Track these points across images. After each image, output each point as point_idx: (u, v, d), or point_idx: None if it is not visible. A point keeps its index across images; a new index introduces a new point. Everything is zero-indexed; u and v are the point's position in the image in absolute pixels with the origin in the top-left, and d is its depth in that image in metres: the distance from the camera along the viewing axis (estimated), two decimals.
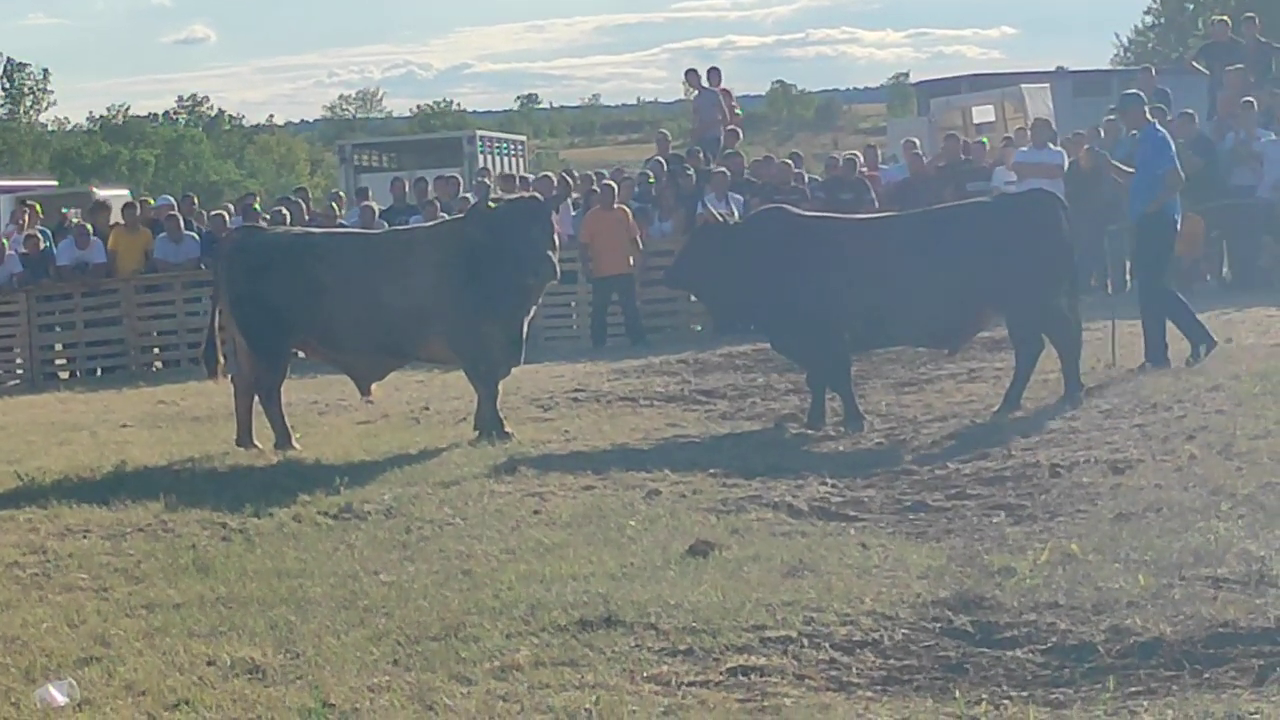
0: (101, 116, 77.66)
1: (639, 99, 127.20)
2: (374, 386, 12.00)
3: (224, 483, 9.92)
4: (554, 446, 10.68)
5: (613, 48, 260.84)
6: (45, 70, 73.35)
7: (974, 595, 6.37)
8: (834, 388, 11.27)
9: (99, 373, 19.45)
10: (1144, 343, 12.04)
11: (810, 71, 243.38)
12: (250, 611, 6.66)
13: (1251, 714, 4.92)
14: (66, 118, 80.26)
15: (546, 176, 20.64)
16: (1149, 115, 12.52)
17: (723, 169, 19.10)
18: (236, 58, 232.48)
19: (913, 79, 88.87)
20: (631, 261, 18.21)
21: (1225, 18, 24.81)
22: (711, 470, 9.43)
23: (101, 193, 28.30)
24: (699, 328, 18.26)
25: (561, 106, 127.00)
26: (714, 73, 22.41)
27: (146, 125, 76.69)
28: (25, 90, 72.12)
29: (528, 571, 7.09)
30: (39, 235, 20.13)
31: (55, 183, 43.00)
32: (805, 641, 5.89)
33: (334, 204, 20.77)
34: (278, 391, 11.47)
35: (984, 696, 5.30)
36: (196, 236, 19.71)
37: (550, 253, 11.13)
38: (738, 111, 22.62)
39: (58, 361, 20.04)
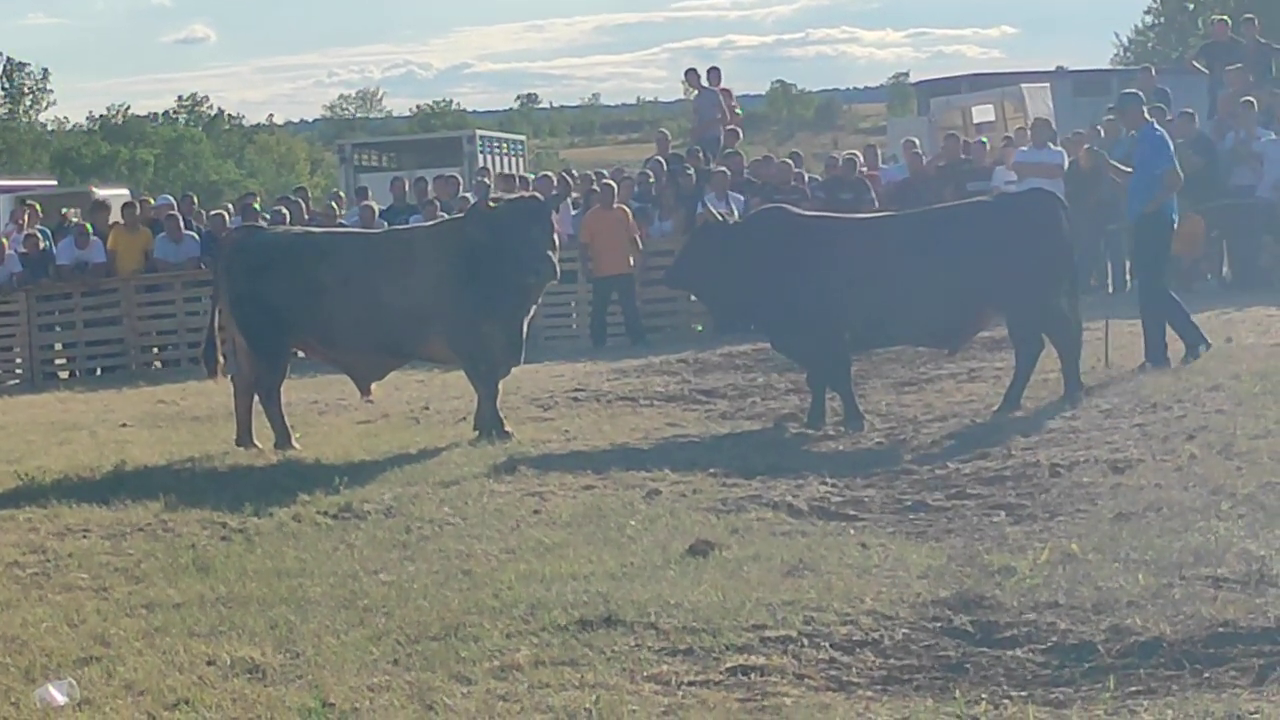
0: (101, 116, 77.75)
1: (639, 99, 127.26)
2: (374, 386, 12.01)
3: (224, 483, 9.92)
4: (554, 446, 10.68)
5: (613, 47, 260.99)
6: (45, 70, 73.52)
7: (974, 595, 6.37)
8: (834, 387, 11.27)
9: (99, 372, 19.45)
10: (1144, 342, 12.04)
11: (810, 71, 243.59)
12: (250, 611, 6.66)
13: (1251, 714, 4.92)
14: (66, 117, 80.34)
15: (546, 176, 20.65)
16: (1147, 115, 12.52)
17: (723, 168, 19.10)
18: (236, 57, 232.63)
19: (913, 79, 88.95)
20: (631, 261, 18.21)
21: (1225, 17, 24.84)
22: (711, 470, 9.43)
23: (101, 192, 28.31)
24: (699, 328, 18.25)
25: (561, 106, 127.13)
26: (714, 72, 22.40)
27: (146, 125, 76.72)
28: (25, 90, 72.15)
29: (528, 571, 7.09)
30: (39, 235, 20.14)
31: (55, 182, 42.95)
32: (805, 641, 5.89)
33: (334, 204, 20.76)
34: (278, 391, 11.47)
35: (984, 696, 5.30)
36: (196, 236, 19.71)
37: (550, 252, 11.13)
38: (738, 111, 22.62)
39: (58, 361, 20.04)
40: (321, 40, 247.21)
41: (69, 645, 6.29)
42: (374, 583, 7.07)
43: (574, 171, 23.91)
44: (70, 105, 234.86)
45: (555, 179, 20.18)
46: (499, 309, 11.15)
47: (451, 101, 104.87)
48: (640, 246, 18.33)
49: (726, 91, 22.39)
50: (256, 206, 20.78)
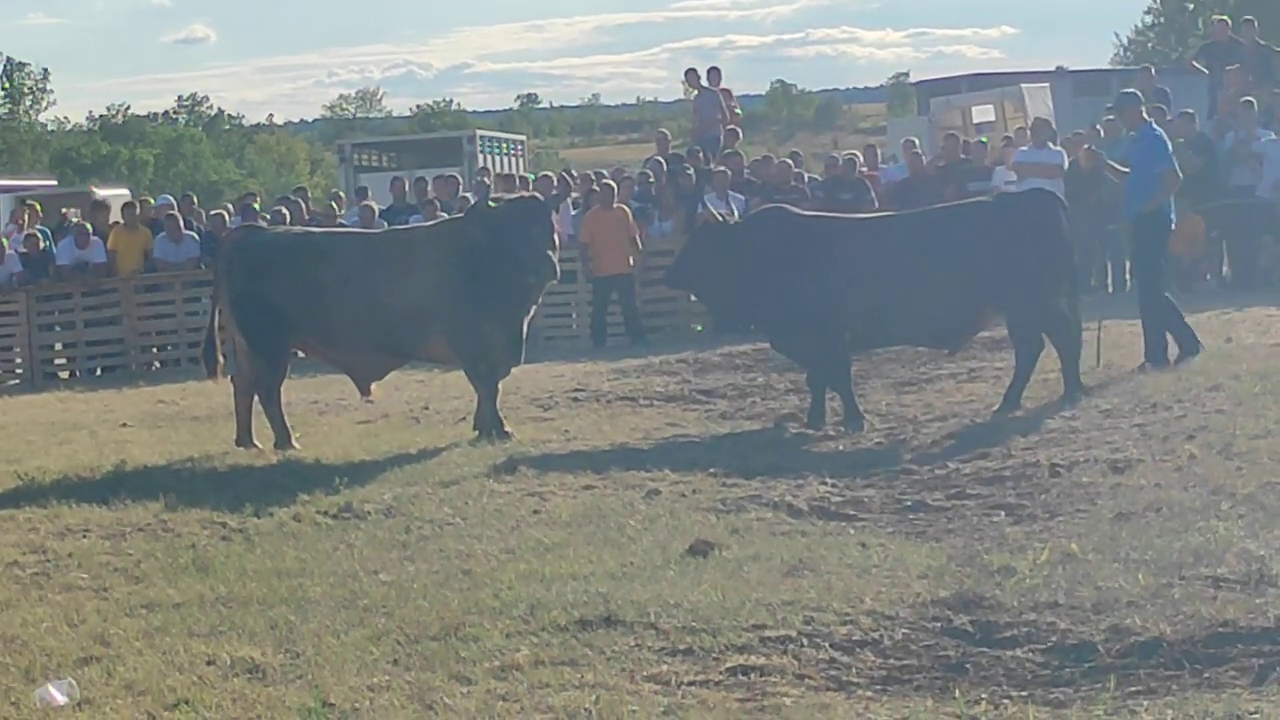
0: (101, 116, 77.79)
1: (639, 99, 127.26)
2: (374, 386, 12.00)
3: (224, 483, 9.92)
4: (554, 446, 10.68)
5: (613, 47, 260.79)
6: (45, 70, 73.50)
7: (974, 595, 6.37)
8: (834, 387, 11.28)
9: (99, 372, 19.46)
10: (1144, 342, 12.04)
11: (810, 71, 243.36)
12: (250, 611, 6.66)
13: (1251, 714, 4.92)
14: (66, 117, 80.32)
15: (546, 176, 20.65)
16: (1145, 115, 12.52)
17: (723, 168, 19.11)
18: (236, 57, 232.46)
19: (913, 79, 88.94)
20: (631, 261, 18.22)
21: (1225, 17, 24.82)
22: (711, 470, 9.43)
23: (101, 192, 28.34)
24: (699, 328, 18.25)
25: (561, 106, 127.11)
26: (714, 72, 22.41)
27: (146, 125, 76.75)
28: (25, 90, 72.14)
29: (528, 571, 7.09)
30: (39, 235, 20.15)
31: (55, 182, 42.96)
32: (805, 641, 5.89)
33: (334, 204, 20.78)
34: (278, 391, 11.47)
35: (984, 696, 5.30)
36: (196, 236, 19.72)
37: (550, 252, 11.13)
38: (738, 111, 22.62)
39: (58, 361, 20.05)
40: (321, 40, 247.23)
41: (69, 645, 6.29)
42: (374, 583, 7.07)
43: (574, 171, 23.91)
44: (70, 105, 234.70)
45: (555, 179, 20.18)
46: (499, 309, 11.15)
47: (451, 101, 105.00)
48: (640, 246, 18.33)
49: (726, 91, 22.40)
50: (256, 206, 20.79)
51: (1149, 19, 65.23)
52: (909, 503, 8.47)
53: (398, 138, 50.62)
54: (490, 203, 11.84)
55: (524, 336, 11.43)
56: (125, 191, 33.32)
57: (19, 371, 19.52)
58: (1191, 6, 60.89)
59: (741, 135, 21.91)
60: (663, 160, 20.93)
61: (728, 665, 5.66)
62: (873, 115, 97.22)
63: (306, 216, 19.44)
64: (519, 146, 38.78)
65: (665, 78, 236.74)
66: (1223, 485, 7.74)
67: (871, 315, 11.09)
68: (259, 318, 11.36)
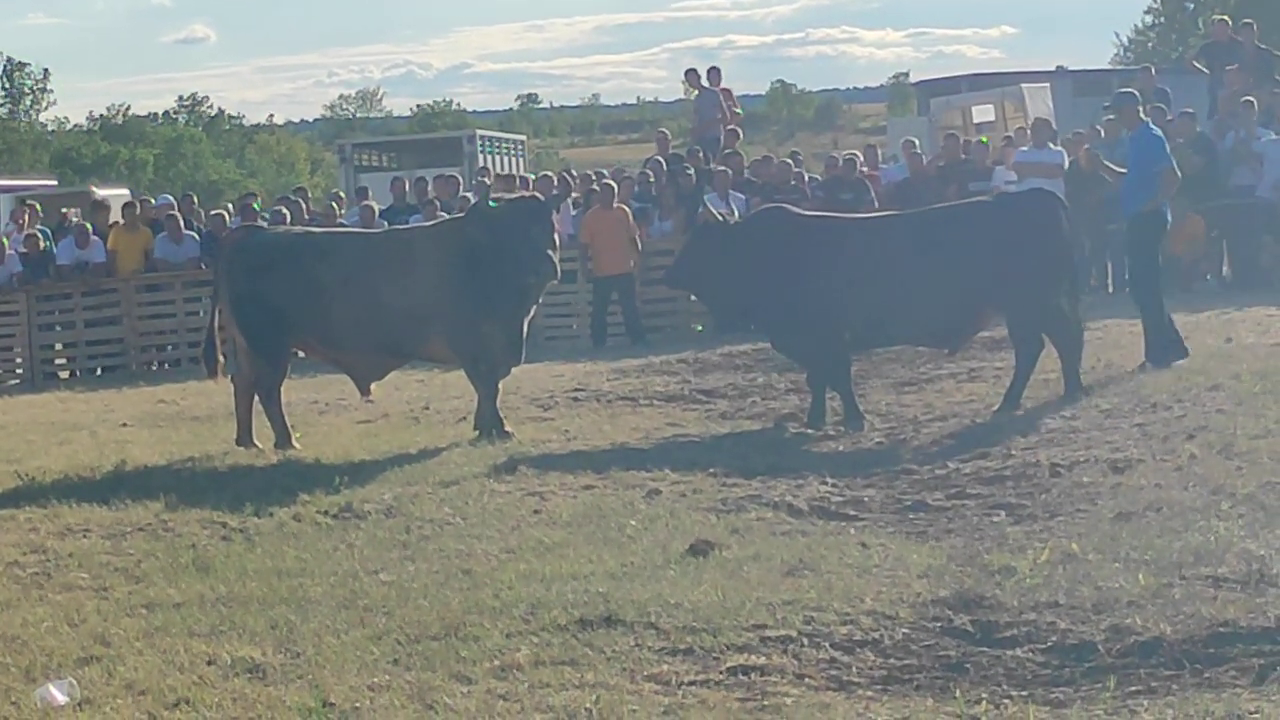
0: (101, 116, 77.76)
1: (639, 99, 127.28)
2: (374, 386, 12.00)
3: (224, 482, 9.92)
4: (554, 446, 10.68)
5: (613, 47, 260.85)
6: (45, 70, 73.48)
7: (974, 595, 6.37)
8: (834, 387, 11.28)
9: (99, 372, 19.46)
10: (1144, 342, 12.04)
11: (810, 71, 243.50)
12: (250, 611, 6.66)
13: (1251, 714, 4.92)
14: (66, 117, 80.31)
15: (546, 176, 20.65)
16: (1143, 114, 12.52)
17: (724, 168, 19.11)
18: (236, 57, 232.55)
19: (913, 79, 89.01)
20: (631, 262, 18.22)
21: (1225, 17, 24.82)
22: (711, 470, 9.43)
23: (101, 192, 28.34)
24: (699, 328, 18.25)
25: (561, 106, 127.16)
26: (714, 72, 22.41)
27: (146, 125, 76.75)
28: (25, 90, 72.16)
29: (528, 571, 7.10)
30: (39, 235, 20.15)
31: (55, 182, 42.97)
32: (805, 641, 5.89)
33: (334, 204, 20.77)
34: (278, 391, 11.47)
35: (984, 696, 5.30)
36: (196, 236, 19.72)
37: (550, 252, 11.13)
38: (738, 111, 22.62)
39: (58, 361, 20.04)
40: (321, 40, 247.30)
41: (69, 645, 6.29)
42: (374, 582, 7.07)
43: (574, 171, 23.91)
44: (70, 105, 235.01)
45: (555, 179, 20.18)
46: (499, 309, 11.16)
47: (451, 101, 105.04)
48: (640, 246, 18.34)
49: (726, 91, 22.39)
50: (256, 206, 20.78)
51: (1149, 19, 65.27)
52: (909, 503, 8.47)
53: (398, 138, 50.66)
54: (490, 203, 11.84)
55: (524, 336, 11.43)
56: (125, 191, 33.31)
57: (19, 371, 19.52)
58: (1191, 6, 60.89)
59: (741, 135, 21.91)
60: (663, 160, 20.93)
61: (728, 665, 5.66)
62: (873, 115, 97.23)
63: (306, 216, 19.43)
64: (519, 146, 38.81)
65: (665, 78, 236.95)
66: (1223, 485, 7.74)
67: (871, 315, 11.09)
68: (259, 318, 11.36)
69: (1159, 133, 12.53)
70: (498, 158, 33.99)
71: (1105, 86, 32.29)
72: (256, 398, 11.45)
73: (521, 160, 36.69)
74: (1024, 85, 28.50)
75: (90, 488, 9.83)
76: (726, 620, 6.12)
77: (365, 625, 6.35)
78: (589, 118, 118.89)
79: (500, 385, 11.44)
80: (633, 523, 8.04)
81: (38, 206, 22.01)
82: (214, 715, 5.40)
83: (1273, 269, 17.48)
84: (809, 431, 10.97)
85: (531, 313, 11.59)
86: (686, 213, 18.62)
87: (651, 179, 19.95)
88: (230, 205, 22.43)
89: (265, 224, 17.20)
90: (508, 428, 11.17)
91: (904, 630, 6.01)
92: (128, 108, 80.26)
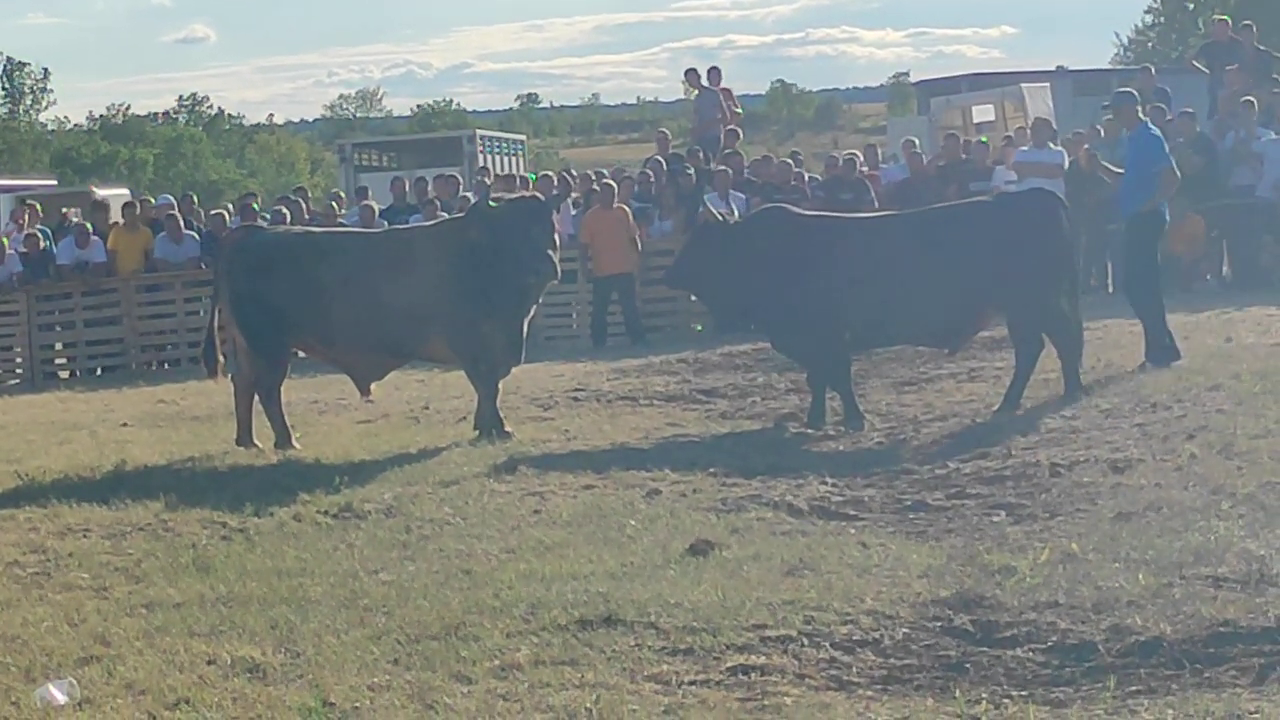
0: (101, 116, 77.81)
1: (639, 98, 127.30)
2: (374, 386, 12.00)
3: (224, 482, 9.92)
4: (554, 446, 10.68)
5: (613, 47, 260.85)
6: (45, 70, 73.50)
7: (974, 594, 6.37)
8: (834, 387, 11.28)
9: (99, 372, 19.46)
10: (1144, 342, 12.04)
11: (810, 71, 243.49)
12: (250, 611, 6.66)
13: (1251, 713, 4.92)
14: (66, 117, 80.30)
15: (546, 176, 20.64)
16: (1141, 114, 12.52)
17: (724, 168, 19.11)
18: (236, 57, 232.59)
19: (913, 78, 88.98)
20: (632, 262, 18.21)
21: (1226, 17, 24.82)
22: (711, 470, 9.43)
23: (101, 192, 28.34)
24: (699, 328, 18.25)
25: (561, 106, 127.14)
26: (714, 72, 22.41)
27: (146, 125, 76.77)
28: (25, 90, 72.16)
29: (528, 571, 7.09)
30: (39, 235, 20.15)
31: (55, 182, 42.96)
32: (805, 640, 5.89)
33: (334, 203, 20.78)
34: (278, 391, 11.47)
35: (984, 696, 5.30)
36: (196, 236, 19.72)
37: (550, 252, 11.13)
38: (738, 111, 22.61)
39: (58, 361, 20.04)
40: (321, 40, 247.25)
41: (69, 645, 6.29)
42: (374, 582, 7.07)
43: (574, 171, 23.91)
44: (70, 105, 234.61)
45: (555, 179, 20.18)
46: (499, 309, 11.15)
47: (451, 101, 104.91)
48: (640, 246, 18.34)
49: (726, 91, 22.39)
50: (255, 207, 20.79)
51: (1149, 19, 65.29)
52: (909, 502, 8.47)
53: (398, 138, 50.64)
54: (491, 203, 11.84)
55: (524, 336, 11.43)
56: (125, 191, 33.31)
57: (19, 371, 19.52)
58: (1191, 6, 60.90)
59: (741, 135, 21.91)
60: (663, 160, 20.93)
61: (728, 665, 5.66)
62: (873, 115, 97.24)
63: (306, 216, 19.43)
64: (519, 146, 38.80)
65: (665, 78, 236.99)
66: (1223, 485, 7.74)
67: (872, 315, 11.09)
68: (259, 318, 11.36)
69: (1157, 132, 12.54)
70: (498, 158, 33.98)
71: (1105, 86, 32.29)
72: (256, 398, 11.45)
73: (521, 160, 36.67)
74: (1024, 85, 28.50)
75: (90, 488, 9.82)
76: (726, 620, 6.12)
77: (365, 625, 6.35)
78: (589, 118, 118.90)
79: (500, 385, 11.44)
80: (633, 523, 8.04)
81: (38, 206, 22.02)
82: (214, 715, 5.40)
83: (1273, 269, 17.49)
84: (809, 431, 10.97)
85: (531, 313, 11.59)
86: (686, 213, 18.62)
87: (651, 179, 19.95)
88: (230, 205, 22.43)
89: (265, 224, 17.21)
90: (508, 428, 11.17)
91: (904, 630, 6.01)
92: (128, 108, 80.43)
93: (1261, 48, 20.68)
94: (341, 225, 17.75)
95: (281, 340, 11.47)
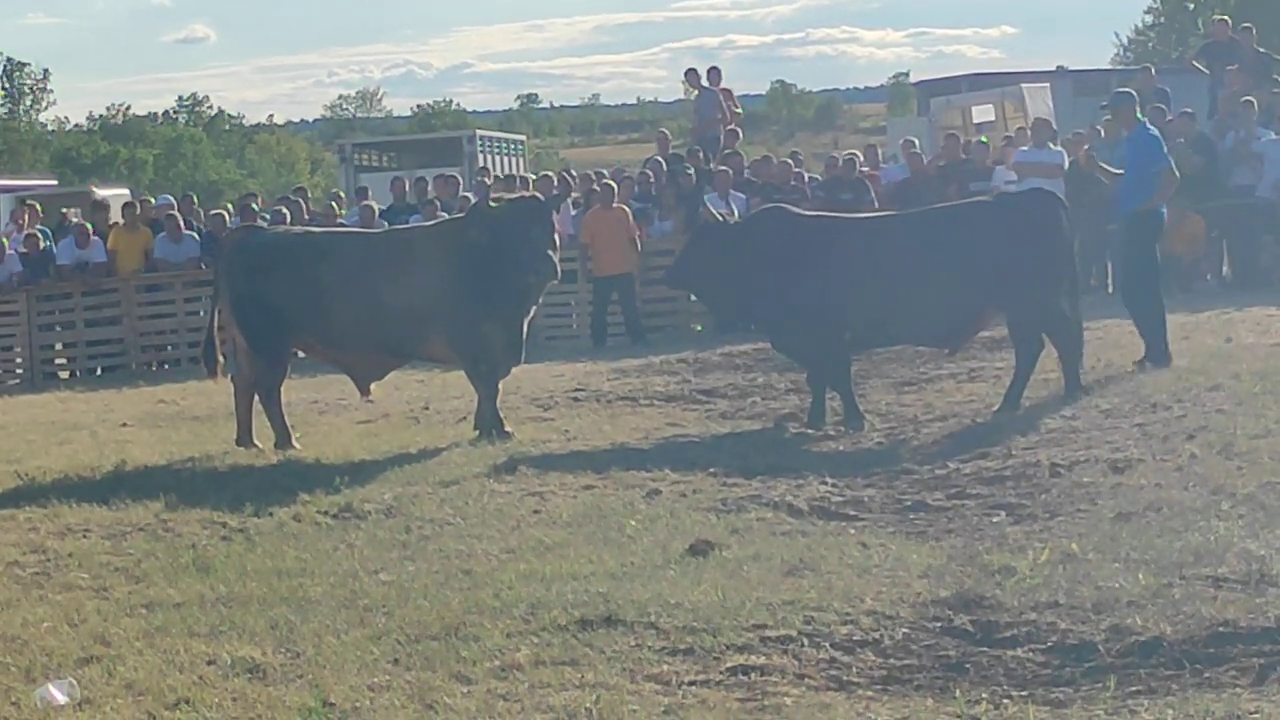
0: (101, 116, 77.86)
1: (639, 98, 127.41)
2: (374, 386, 12.00)
3: (224, 482, 9.92)
4: (554, 446, 10.68)
5: (613, 47, 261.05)
6: (45, 70, 73.56)
7: (974, 595, 6.37)
8: (834, 387, 11.27)
9: (99, 372, 19.45)
10: (1144, 342, 12.03)
11: (810, 71, 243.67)
12: (250, 611, 6.66)
13: (1251, 714, 4.92)
14: (66, 117, 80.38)
15: (546, 176, 20.65)
16: (1140, 114, 12.51)
17: (724, 168, 19.11)
18: (236, 57, 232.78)
19: (913, 79, 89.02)
20: (631, 262, 18.21)
21: (1226, 17, 24.83)
22: (711, 470, 9.43)
23: (101, 192, 28.32)
24: (699, 328, 18.25)
25: (561, 106, 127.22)
26: (714, 72, 22.40)
27: (146, 125, 76.79)
28: (25, 90, 72.18)
29: (528, 571, 7.09)
30: (39, 235, 20.16)
31: (55, 182, 42.96)
32: (805, 641, 5.89)
33: (334, 204, 20.78)
34: (278, 391, 11.46)
35: (984, 696, 5.30)
36: (196, 236, 19.72)
37: (550, 252, 11.13)
38: (738, 111, 22.61)
39: (58, 361, 20.04)
40: (321, 40, 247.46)
41: (69, 645, 6.29)
42: (374, 582, 7.07)
43: (574, 171, 23.91)
44: (70, 105, 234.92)
45: (555, 179, 20.18)
46: (499, 309, 11.15)
47: (451, 101, 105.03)
48: (640, 246, 18.34)
49: (726, 91, 22.38)
50: (255, 207, 20.79)
51: (1149, 19, 65.31)
52: (909, 503, 8.47)
53: (398, 138, 50.66)
54: (490, 203, 11.84)
55: (524, 336, 11.43)
56: (125, 191, 33.31)
57: (19, 371, 19.52)
58: (1191, 6, 60.92)
59: (741, 135, 21.91)
60: (663, 160, 20.93)
61: (728, 665, 5.66)
62: (873, 115, 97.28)
63: (306, 216, 19.43)
64: (519, 146, 38.80)
65: (665, 78, 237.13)
66: (1223, 485, 7.74)
67: (872, 315, 11.09)
68: (259, 318, 11.36)
69: (1156, 133, 12.54)
70: (498, 158, 33.99)
71: (1105, 86, 32.30)
72: (256, 398, 11.45)
73: (521, 160, 36.68)
74: (1024, 85, 28.51)
75: (90, 488, 9.82)
76: (726, 620, 6.12)
77: (365, 625, 6.35)
78: (589, 118, 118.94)
79: (500, 385, 11.44)
80: (633, 523, 8.04)
81: (38, 206, 22.02)
82: (214, 715, 5.40)
83: (1273, 269, 17.49)
84: (809, 431, 10.97)
85: (531, 313, 11.59)
86: (686, 213, 18.62)
87: (651, 179, 19.95)
88: (230, 205, 22.43)
89: (265, 224, 17.21)
90: (508, 428, 11.17)
91: (904, 630, 6.01)
92: (128, 108, 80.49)
93: (1261, 49, 20.69)
94: (341, 225, 17.74)
95: (281, 340, 11.47)
